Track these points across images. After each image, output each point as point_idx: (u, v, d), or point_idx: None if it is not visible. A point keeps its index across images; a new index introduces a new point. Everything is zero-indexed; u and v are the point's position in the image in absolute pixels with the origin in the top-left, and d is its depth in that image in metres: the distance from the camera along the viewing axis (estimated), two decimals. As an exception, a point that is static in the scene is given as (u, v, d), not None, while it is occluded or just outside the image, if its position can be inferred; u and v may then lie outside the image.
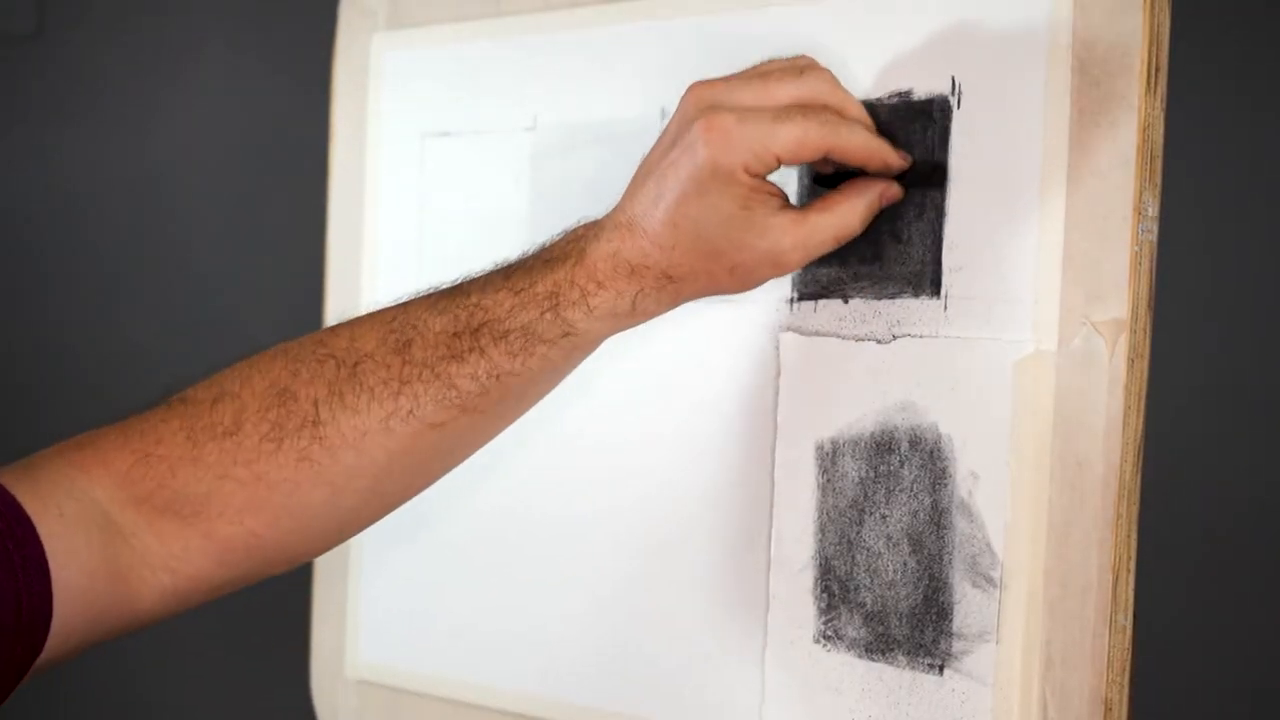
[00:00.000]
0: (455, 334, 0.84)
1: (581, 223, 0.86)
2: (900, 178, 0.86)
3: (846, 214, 0.85)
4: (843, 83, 0.86)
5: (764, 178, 0.82)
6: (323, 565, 1.20)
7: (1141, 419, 0.80)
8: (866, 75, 0.89)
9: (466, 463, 1.10)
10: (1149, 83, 0.79)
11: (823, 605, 0.90)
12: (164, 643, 1.74)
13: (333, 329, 0.87)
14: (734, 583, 0.95)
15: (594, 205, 1.03)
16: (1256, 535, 1.18)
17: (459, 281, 0.87)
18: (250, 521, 0.85)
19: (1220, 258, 1.17)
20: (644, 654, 1.00)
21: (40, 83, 1.80)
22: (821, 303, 0.91)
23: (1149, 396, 0.81)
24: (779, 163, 0.82)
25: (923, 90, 0.87)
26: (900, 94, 0.88)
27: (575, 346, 0.85)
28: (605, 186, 1.02)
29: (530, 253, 0.86)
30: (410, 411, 0.84)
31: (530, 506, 1.06)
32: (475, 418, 0.85)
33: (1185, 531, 1.18)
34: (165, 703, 1.74)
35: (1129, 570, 0.81)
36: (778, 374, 0.93)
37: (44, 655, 0.83)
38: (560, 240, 0.86)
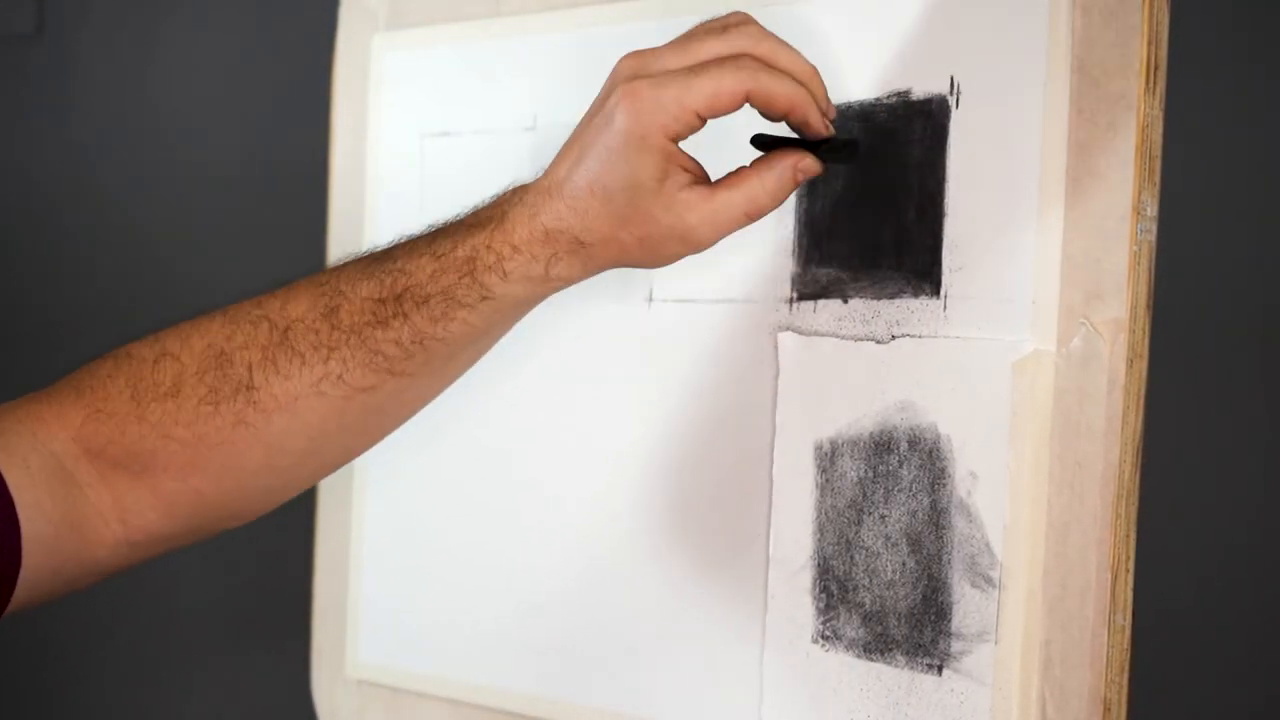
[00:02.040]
0: (380, 299, 0.85)
1: (512, 185, 0.87)
2: (815, 150, 0.84)
3: (756, 189, 0.83)
4: (841, 80, 0.85)
5: (681, 147, 0.82)
6: (323, 565, 1.20)
7: (1140, 419, 0.80)
8: (865, 75, 0.89)
9: (466, 464, 1.10)
10: (1148, 82, 0.79)
11: (821, 605, 0.90)
12: (164, 642, 1.74)
13: (271, 293, 0.89)
14: (732, 583, 0.95)
15: (593, 205, 1.03)
16: (1255, 535, 1.18)
17: (391, 244, 0.88)
18: (194, 480, 0.88)
19: (1220, 258, 1.17)
20: (644, 654, 1.00)
21: (40, 83, 1.80)
22: (821, 303, 0.91)
23: (1148, 396, 0.80)
24: (699, 118, 0.81)
25: (921, 90, 0.87)
26: (899, 93, 0.88)
27: (495, 310, 0.85)
28: (604, 186, 1.02)
29: (458, 216, 0.87)
30: (339, 376, 0.86)
31: (529, 507, 1.06)
32: (403, 380, 0.86)
33: (1184, 531, 1.18)
34: (165, 702, 1.74)
35: (1128, 570, 0.81)
36: (776, 374, 0.93)
37: (9, 607, 0.85)
38: (487, 204, 0.87)
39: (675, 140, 0.81)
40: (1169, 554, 1.05)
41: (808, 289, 0.92)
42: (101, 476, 0.88)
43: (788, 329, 0.92)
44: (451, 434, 1.11)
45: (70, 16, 1.78)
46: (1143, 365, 0.80)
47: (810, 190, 0.91)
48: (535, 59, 1.07)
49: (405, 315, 0.85)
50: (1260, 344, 1.17)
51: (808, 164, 0.84)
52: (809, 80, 0.83)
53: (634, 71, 0.82)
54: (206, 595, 1.70)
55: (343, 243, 1.20)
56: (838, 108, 0.89)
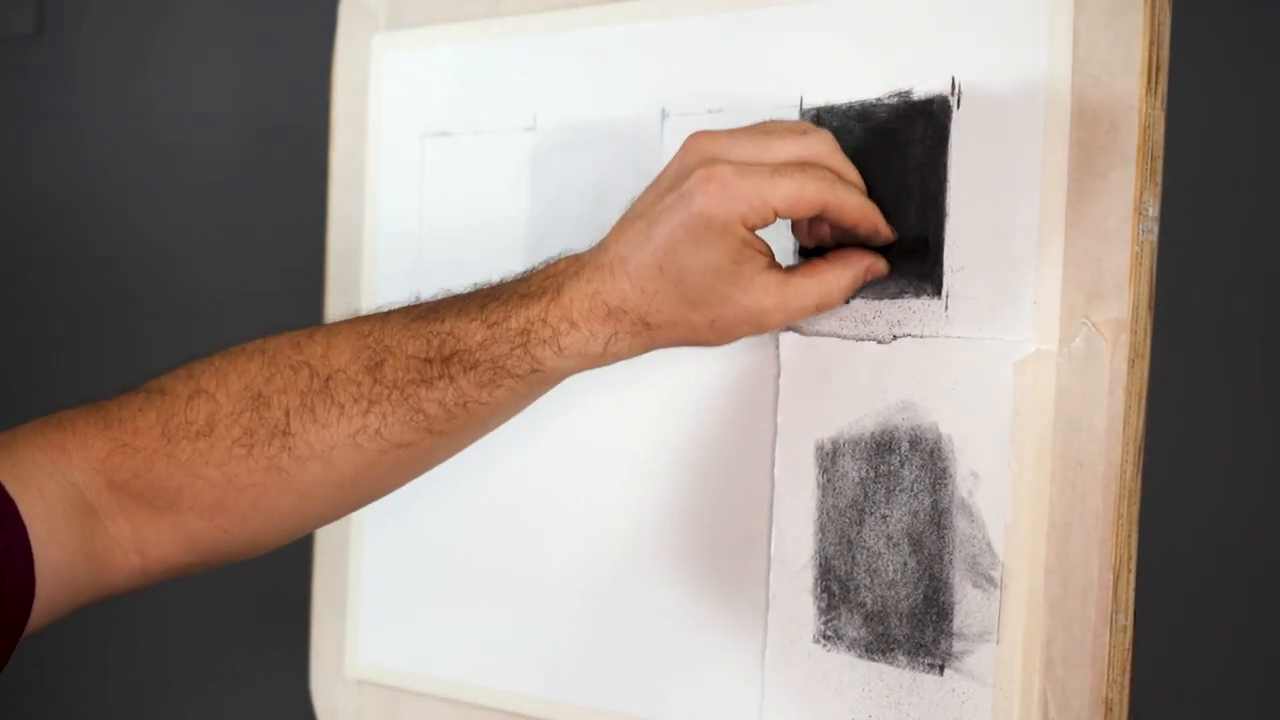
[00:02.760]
0: (427, 359, 0.85)
1: (564, 255, 0.86)
2: (886, 253, 0.87)
3: (830, 281, 0.85)
4: (842, 80, 0.85)
5: (756, 233, 0.82)
6: (323, 565, 1.20)
7: (1142, 419, 0.80)
8: (866, 75, 0.89)
9: (466, 464, 1.10)
10: (1149, 82, 0.79)
11: (823, 605, 0.90)
12: (164, 642, 1.74)
13: (310, 334, 0.88)
14: (734, 582, 0.95)
15: (593, 205, 1.03)
16: (1256, 535, 1.18)
17: (438, 299, 0.88)
18: (219, 519, 0.87)
19: (1220, 258, 1.17)
20: (644, 654, 1.00)
21: (40, 83, 1.80)
22: (822, 303, 0.91)
23: (1149, 396, 0.81)
24: (775, 216, 0.82)
25: (922, 90, 0.87)
26: (900, 94, 0.88)
27: (541, 381, 0.86)
28: (605, 186, 1.02)
29: (510, 280, 0.87)
30: (378, 430, 0.85)
31: (529, 507, 1.06)
32: (440, 439, 0.87)
33: (1185, 531, 1.18)
34: (166, 702, 1.74)
35: (1129, 570, 0.81)
36: (778, 374, 0.93)
37: (26, 629, 0.85)
38: (540, 272, 0.86)
39: (751, 230, 0.82)
40: (1171, 554, 1.05)
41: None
42: (123, 509, 0.87)
43: (789, 329, 0.92)
44: (452, 434, 1.11)
45: (70, 16, 1.78)
46: (1144, 365, 0.80)
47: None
48: (535, 59, 1.07)
49: (452, 378, 0.84)
50: (1261, 344, 1.17)
51: (880, 267, 0.86)
52: (869, 203, 0.85)
53: (713, 154, 0.82)
54: (206, 595, 1.70)
55: (342, 243, 1.20)
56: (838, 108, 0.89)
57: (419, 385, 0.85)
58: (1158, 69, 0.79)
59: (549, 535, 1.05)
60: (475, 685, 1.09)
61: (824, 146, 0.84)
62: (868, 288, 0.89)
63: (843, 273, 0.85)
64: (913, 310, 0.87)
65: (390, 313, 0.88)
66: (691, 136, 0.84)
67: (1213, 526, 1.19)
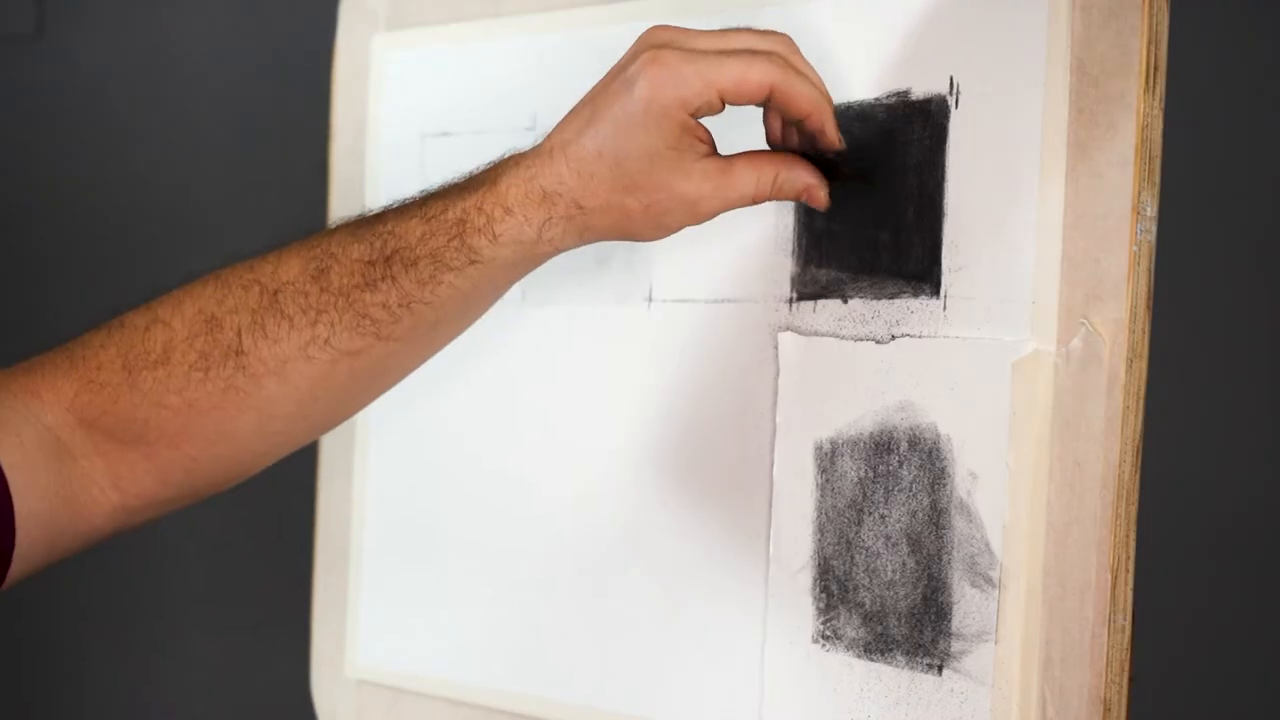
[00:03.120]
0: (369, 261, 0.85)
1: (508, 153, 0.86)
2: (832, 176, 0.85)
3: (768, 174, 0.84)
4: (840, 80, 0.85)
5: (699, 119, 0.81)
6: (323, 565, 1.20)
7: (1140, 419, 0.80)
8: (864, 74, 0.89)
9: (466, 464, 1.10)
10: (1148, 82, 0.79)
11: (821, 605, 0.90)
12: (165, 642, 1.74)
13: (264, 255, 0.88)
14: (733, 583, 0.95)
15: (593, 205, 1.03)
16: (1255, 535, 1.18)
17: (385, 207, 0.88)
18: (186, 446, 0.88)
19: (1219, 258, 1.17)
20: (644, 654, 1.00)
21: (40, 83, 1.81)
22: (821, 303, 0.91)
23: (1147, 396, 0.81)
24: (721, 99, 0.81)
25: (921, 90, 0.87)
26: (898, 93, 0.88)
27: (482, 274, 0.85)
28: (604, 186, 1.02)
29: (452, 179, 0.86)
30: (327, 340, 0.85)
31: (529, 507, 1.06)
32: (391, 345, 0.86)
33: (1184, 531, 1.18)
34: (166, 702, 1.75)
35: (1128, 570, 0.81)
36: (776, 374, 0.93)
37: (6, 582, 0.86)
38: (482, 168, 0.86)
39: (694, 115, 0.81)
40: (1169, 554, 1.05)
41: (808, 289, 0.92)
42: (96, 446, 0.88)
43: (788, 329, 0.92)
44: (452, 434, 1.12)
45: (70, 16, 1.78)
46: (1142, 365, 0.80)
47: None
48: (535, 59, 1.07)
49: (393, 278, 0.84)
50: (1260, 344, 1.17)
51: (818, 195, 0.85)
52: (827, 96, 0.83)
53: (663, 41, 0.82)
54: (207, 595, 1.70)
55: (343, 243, 1.20)
56: (838, 107, 0.89)
57: (363, 289, 0.85)
58: (1155, 69, 0.79)
59: (548, 535, 1.05)
60: (475, 685, 1.09)
61: (780, 42, 0.83)
62: (866, 287, 0.89)
63: (783, 169, 0.84)
64: (911, 310, 0.87)
65: (341, 223, 0.89)
66: (648, 29, 0.84)
67: (1211, 526, 1.19)
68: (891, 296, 0.88)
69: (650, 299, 1.00)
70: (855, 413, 0.89)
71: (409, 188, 1.14)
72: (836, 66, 0.90)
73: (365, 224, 0.87)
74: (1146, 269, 0.80)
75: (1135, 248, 0.80)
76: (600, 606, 1.02)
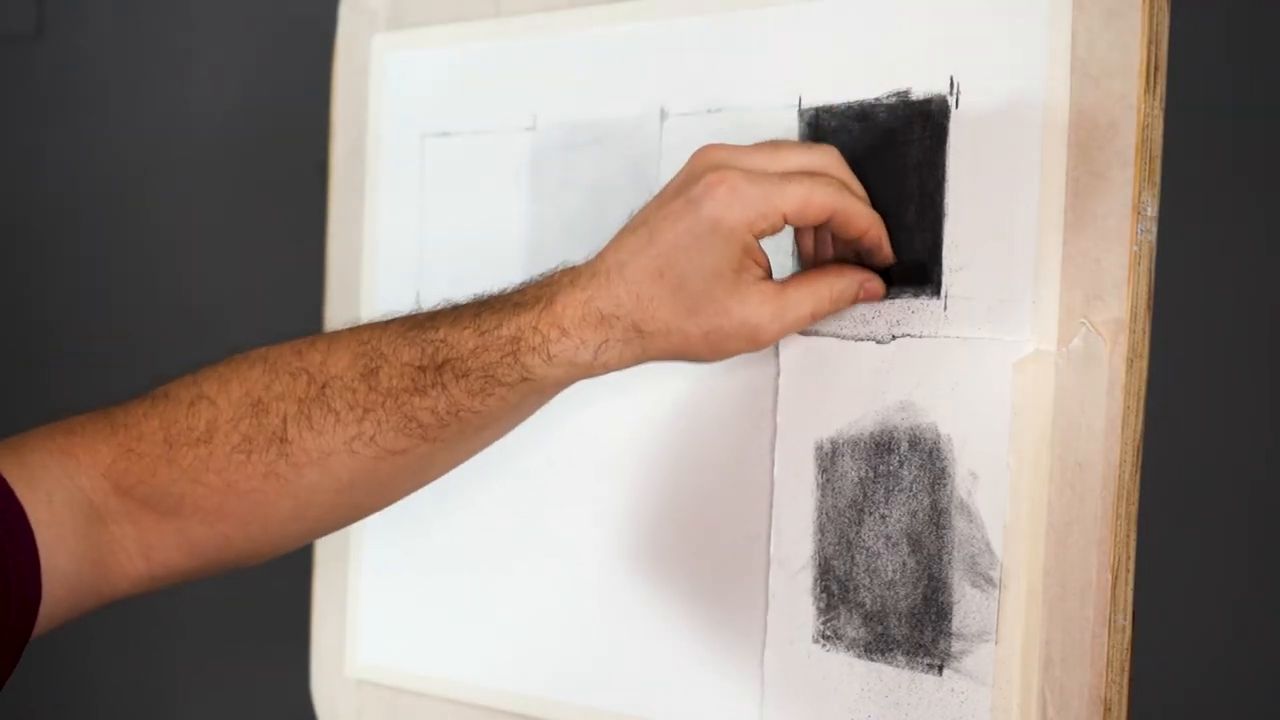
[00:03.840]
0: (420, 367, 0.85)
1: (562, 266, 0.86)
2: (885, 277, 0.87)
3: (824, 290, 0.85)
4: (840, 80, 0.85)
5: (760, 242, 0.82)
6: (323, 565, 1.20)
7: (1140, 419, 0.80)
8: (865, 74, 0.89)
9: (466, 465, 1.10)
10: (1148, 82, 0.79)
11: (822, 605, 0.90)
12: (165, 642, 1.74)
13: (312, 341, 0.89)
14: (733, 583, 0.95)
15: (593, 205, 1.03)
16: (1255, 535, 1.18)
17: (437, 308, 0.88)
18: (221, 525, 0.88)
19: (1219, 258, 1.17)
20: (644, 654, 1.00)
21: (40, 83, 1.81)
22: (821, 303, 0.91)
23: (1148, 397, 0.81)
24: (785, 221, 0.82)
25: (921, 90, 0.87)
26: (898, 93, 0.88)
27: (532, 390, 0.86)
28: (605, 186, 1.02)
29: (507, 290, 0.87)
30: (372, 437, 0.86)
31: (529, 506, 1.06)
32: (435, 446, 0.87)
33: (1185, 532, 1.18)
34: (166, 702, 1.75)
35: (1128, 570, 0.81)
36: (777, 374, 0.93)
37: (30, 636, 0.86)
38: (536, 282, 0.86)
39: (758, 236, 0.82)
40: (1169, 555, 1.05)
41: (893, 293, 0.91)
42: (128, 514, 0.88)
43: (788, 329, 0.92)
44: (452, 434, 1.12)
45: (70, 17, 1.78)
46: (1143, 365, 0.80)
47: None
48: (535, 59, 1.07)
49: (444, 386, 0.84)
50: (1260, 344, 1.17)
51: (874, 286, 0.86)
52: (877, 216, 0.85)
53: (722, 162, 0.82)
54: (207, 595, 1.70)
55: (342, 243, 1.20)
56: (837, 108, 0.89)
57: (412, 393, 0.85)
58: (1156, 69, 0.80)
59: (548, 535, 1.05)
60: (475, 685, 1.09)
61: (831, 158, 0.84)
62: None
63: (836, 282, 0.86)
64: (912, 310, 0.87)
65: (390, 321, 0.88)
66: (701, 149, 0.84)
67: (1211, 527, 1.19)
68: (892, 296, 0.88)
69: (650, 299, 1.00)
70: (855, 413, 0.89)
71: (409, 188, 1.14)
72: (837, 66, 0.90)
73: (417, 326, 0.86)
74: (1146, 269, 0.80)
75: (1135, 248, 0.80)
76: (600, 606, 1.02)
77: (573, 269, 0.85)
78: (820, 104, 0.91)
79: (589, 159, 1.03)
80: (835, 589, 0.90)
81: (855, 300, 0.87)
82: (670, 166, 0.98)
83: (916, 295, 0.87)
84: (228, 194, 1.68)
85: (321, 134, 1.22)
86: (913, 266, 0.87)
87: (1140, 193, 0.80)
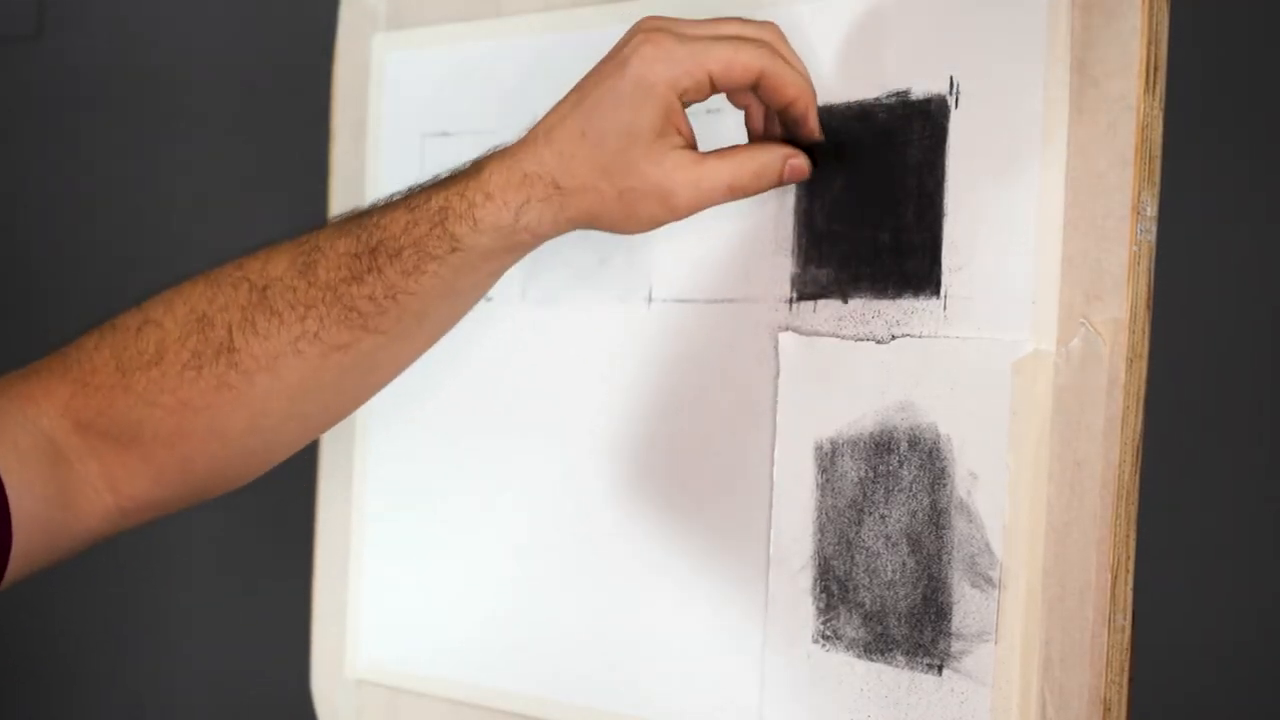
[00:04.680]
0: (355, 254, 0.85)
1: (500, 146, 0.87)
2: (811, 157, 0.87)
3: (745, 164, 0.85)
4: (841, 80, 0.85)
5: (686, 104, 0.83)
6: (323, 565, 1.20)
7: (1140, 419, 0.80)
8: (864, 74, 0.89)
9: (466, 464, 1.10)
10: (1147, 82, 0.79)
11: (821, 605, 0.90)
12: (165, 641, 1.74)
13: (253, 254, 0.89)
14: (733, 582, 0.95)
15: (593, 205, 1.02)
16: (1255, 535, 1.18)
17: (373, 203, 0.89)
18: (181, 446, 0.88)
19: (1219, 258, 1.17)
20: (644, 654, 1.00)
21: (40, 83, 1.81)
22: (820, 302, 0.91)
23: (1148, 397, 0.81)
24: (710, 81, 0.82)
25: (920, 90, 0.87)
26: (898, 93, 0.88)
27: (464, 263, 0.85)
28: (604, 186, 1.02)
29: (440, 173, 0.88)
30: (316, 334, 0.86)
31: (529, 507, 1.06)
32: (379, 338, 0.87)
33: (1184, 532, 1.18)
34: (166, 702, 1.75)
35: (1128, 570, 0.81)
36: (776, 374, 0.93)
37: (2, 584, 0.86)
38: (469, 160, 0.87)
39: (681, 97, 0.82)
40: (1169, 554, 1.05)
41: (808, 289, 0.92)
42: (91, 449, 0.88)
43: (788, 329, 0.92)
44: (451, 434, 1.11)
45: (70, 17, 1.78)
46: (1142, 365, 0.80)
47: (809, 190, 0.91)
48: (535, 59, 1.07)
49: (379, 269, 0.85)
50: (1260, 344, 1.17)
51: (798, 162, 0.86)
52: (811, 85, 0.85)
53: (658, 25, 0.83)
54: (206, 595, 1.70)
55: (343, 243, 1.20)
56: (837, 108, 0.89)
57: (350, 282, 0.85)
58: (1155, 68, 0.79)
59: (548, 535, 1.05)
60: (475, 685, 1.09)
61: (769, 30, 0.85)
62: (866, 287, 0.89)
63: (758, 154, 0.85)
64: (911, 310, 0.87)
65: (330, 220, 0.90)
66: (643, 18, 0.85)
67: (1211, 527, 1.19)
68: (892, 296, 0.88)
69: (650, 299, 1.00)
70: (855, 413, 0.89)
71: (409, 188, 1.15)
72: (837, 66, 0.90)
73: (352, 219, 0.88)
74: (1146, 269, 0.80)
75: (1135, 248, 0.80)
76: (600, 606, 1.02)
77: (505, 145, 0.86)
78: (820, 104, 0.91)
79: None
80: (835, 589, 0.90)
81: (780, 178, 0.86)
82: (670, 166, 0.98)
83: (916, 295, 0.87)
84: (228, 194, 1.68)
85: (321, 134, 1.22)
86: (836, 145, 0.87)
87: (1140, 193, 0.80)
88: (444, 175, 0.87)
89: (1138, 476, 0.80)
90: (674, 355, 0.99)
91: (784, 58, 0.84)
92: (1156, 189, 0.80)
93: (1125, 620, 0.80)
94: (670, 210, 0.84)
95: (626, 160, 0.83)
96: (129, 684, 1.77)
